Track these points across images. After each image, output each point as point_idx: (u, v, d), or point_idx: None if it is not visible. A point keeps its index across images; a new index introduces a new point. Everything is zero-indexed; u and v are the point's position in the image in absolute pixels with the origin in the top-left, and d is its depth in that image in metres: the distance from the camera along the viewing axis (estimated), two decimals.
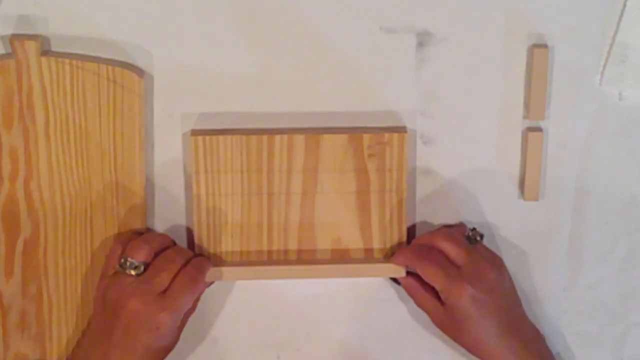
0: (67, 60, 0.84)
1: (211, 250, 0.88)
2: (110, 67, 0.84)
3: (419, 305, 0.89)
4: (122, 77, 0.84)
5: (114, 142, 0.86)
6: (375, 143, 0.87)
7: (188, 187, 0.89)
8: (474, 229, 0.88)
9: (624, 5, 0.87)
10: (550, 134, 0.89)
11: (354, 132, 0.87)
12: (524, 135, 0.89)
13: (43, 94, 0.84)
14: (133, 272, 0.83)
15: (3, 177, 0.85)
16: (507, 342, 0.85)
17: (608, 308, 0.93)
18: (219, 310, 0.91)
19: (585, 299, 0.93)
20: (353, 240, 0.89)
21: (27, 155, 0.85)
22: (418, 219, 0.91)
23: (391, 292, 0.92)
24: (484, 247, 0.89)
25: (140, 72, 0.85)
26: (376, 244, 0.89)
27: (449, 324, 0.87)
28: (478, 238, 0.88)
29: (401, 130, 0.88)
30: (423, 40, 0.87)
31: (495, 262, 0.88)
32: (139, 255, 0.83)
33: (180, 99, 0.87)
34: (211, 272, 0.88)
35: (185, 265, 0.85)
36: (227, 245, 0.89)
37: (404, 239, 0.89)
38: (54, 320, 0.88)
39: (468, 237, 0.88)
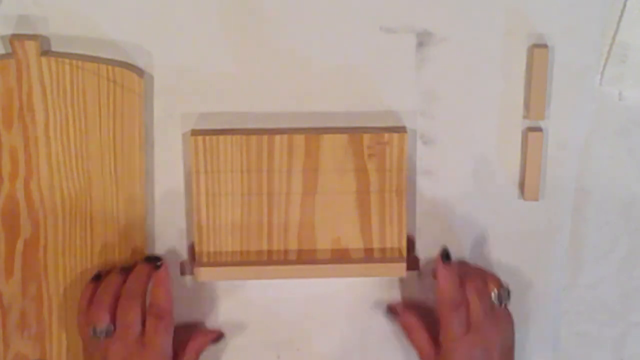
0: (67, 60, 0.84)
1: (211, 250, 0.88)
2: (110, 67, 0.84)
3: (414, 343, 0.89)
4: (122, 77, 0.84)
5: (114, 142, 0.86)
6: (375, 143, 0.87)
7: (188, 187, 0.89)
8: (505, 289, 0.87)
9: (624, 5, 0.87)
10: (550, 134, 0.89)
11: (354, 132, 0.87)
12: (524, 135, 0.89)
13: (43, 94, 0.84)
14: (105, 336, 0.83)
15: (3, 177, 0.85)
16: None
17: (608, 308, 0.93)
18: (219, 311, 0.91)
19: (585, 299, 0.93)
20: (353, 240, 0.89)
21: (27, 155, 0.85)
22: (418, 219, 0.91)
23: (391, 292, 0.92)
24: (505, 310, 0.88)
25: (140, 72, 0.85)
26: (376, 244, 0.89)
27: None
28: (504, 302, 0.87)
29: (401, 130, 0.88)
30: (423, 40, 0.87)
31: (505, 326, 0.87)
32: (102, 322, 0.83)
33: (180, 99, 0.87)
34: (211, 272, 0.88)
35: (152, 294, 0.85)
36: (227, 245, 0.89)
37: (404, 239, 0.89)
38: (54, 320, 0.89)
39: (497, 296, 0.87)
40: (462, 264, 0.90)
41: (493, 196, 0.90)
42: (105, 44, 0.85)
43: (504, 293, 0.87)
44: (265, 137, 0.87)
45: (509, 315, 0.88)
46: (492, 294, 0.86)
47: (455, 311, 0.85)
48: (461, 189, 0.90)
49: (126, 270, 0.87)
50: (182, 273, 0.90)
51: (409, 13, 0.86)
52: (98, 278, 0.86)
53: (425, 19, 0.86)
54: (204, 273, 0.88)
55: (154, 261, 0.87)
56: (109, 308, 0.84)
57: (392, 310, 0.91)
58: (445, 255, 0.87)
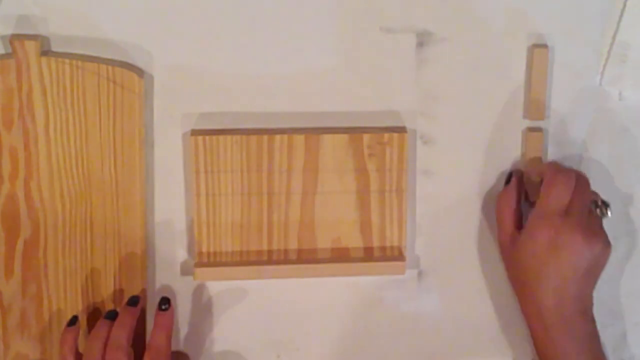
0: (67, 60, 0.84)
1: (211, 250, 0.88)
2: (110, 67, 0.84)
3: (499, 212, 0.87)
4: (122, 77, 0.84)
5: (114, 142, 0.86)
6: (375, 143, 0.87)
7: (188, 187, 0.89)
8: (604, 202, 0.86)
9: (624, 5, 0.87)
10: (550, 134, 0.89)
11: (354, 132, 0.87)
12: (524, 135, 0.89)
13: (43, 94, 0.84)
14: None
15: (3, 177, 0.85)
16: (559, 309, 0.82)
17: (608, 308, 0.93)
18: (219, 310, 0.91)
19: None
20: (353, 240, 0.89)
21: (27, 155, 0.85)
22: (418, 219, 0.91)
23: (391, 292, 0.92)
24: (595, 225, 0.85)
25: (140, 72, 0.86)
26: (376, 244, 0.89)
27: (511, 246, 0.85)
28: (605, 211, 0.85)
29: (401, 130, 0.88)
30: (423, 40, 0.87)
31: (595, 239, 0.83)
32: None
33: (180, 99, 0.87)
34: (211, 272, 0.88)
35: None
36: (227, 245, 0.89)
37: (404, 238, 0.89)
38: (54, 320, 0.88)
39: (598, 205, 0.85)
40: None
41: (493, 196, 0.90)
42: (105, 44, 0.85)
43: (605, 207, 0.85)
44: (265, 137, 0.87)
45: (607, 240, 0.84)
46: (595, 201, 0.85)
47: (559, 178, 0.82)
48: (461, 189, 0.90)
49: (110, 317, 0.86)
50: (182, 273, 0.90)
51: (409, 13, 0.86)
52: (74, 323, 0.86)
53: (425, 19, 0.86)
54: (204, 273, 0.88)
55: (135, 304, 0.87)
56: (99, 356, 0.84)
57: (509, 175, 0.89)
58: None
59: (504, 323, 0.93)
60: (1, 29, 0.84)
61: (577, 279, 0.83)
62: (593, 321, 0.85)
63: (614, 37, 0.87)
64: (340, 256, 0.89)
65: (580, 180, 0.84)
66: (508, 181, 0.88)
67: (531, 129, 0.89)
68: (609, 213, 0.86)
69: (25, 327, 0.88)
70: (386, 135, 0.87)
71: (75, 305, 0.88)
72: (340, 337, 0.93)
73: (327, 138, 0.87)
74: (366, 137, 0.87)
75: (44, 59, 0.83)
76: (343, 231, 0.89)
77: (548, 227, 0.82)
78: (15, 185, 0.86)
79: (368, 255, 0.89)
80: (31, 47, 0.83)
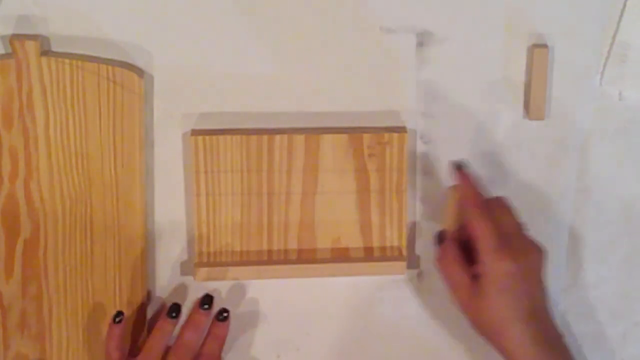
0: (67, 60, 0.84)
1: (211, 250, 0.88)
2: (110, 67, 0.84)
3: (447, 272, 0.85)
4: (122, 77, 0.84)
5: (114, 142, 0.86)
6: (375, 143, 0.87)
7: (188, 187, 0.89)
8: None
9: (624, 5, 0.87)
10: (550, 134, 0.89)
11: (354, 132, 0.87)
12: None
13: (43, 94, 0.84)
14: None
15: (3, 177, 0.85)
16: (530, 331, 0.81)
17: (608, 308, 0.93)
18: None
19: (585, 299, 0.93)
20: (353, 240, 0.89)
21: (27, 155, 0.85)
22: (418, 219, 0.91)
23: (391, 292, 0.92)
24: (531, 236, 0.85)
25: (140, 72, 0.86)
26: (376, 244, 0.89)
27: (474, 298, 0.83)
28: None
29: (401, 130, 0.88)
30: (423, 40, 0.87)
31: (542, 248, 0.84)
32: None
33: (180, 99, 0.87)
34: (211, 272, 0.88)
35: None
36: (227, 245, 0.89)
37: (404, 238, 0.89)
38: (54, 320, 0.88)
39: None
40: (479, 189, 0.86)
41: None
42: (105, 44, 0.85)
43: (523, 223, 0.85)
44: (265, 137, 0.87)
45: (540, 244, 0.84)
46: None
47: (486, 213, 0.82)
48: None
49: (174, 311, 0.87)
50: (183, 273, 0.90)
51: (409, 13, 0.86)
52: (120, 318, 0.86)
53: (425, 19, 0.86)
54: (204, 273, 0.88)
55: (208, 307, 0.87)
56: (158, 358, 0.85)
57: (439, 236, 0.88)
58: (458, 166, 0.85)
59: None
60: (1, 29, 0.84)
61: (542, 290, 0.84)
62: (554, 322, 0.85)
63: (614, 37, 0.87)
64: (340, 256, 0.89)
65: (499, 202, 0.85)
66: (439, 242, 0.87)
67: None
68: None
69: (25, 327, 0.88)
70: (386, 135, 0.87)
71: (75, 305, 0.88)
72: (340, 337, 0.93)
73: (327, 138, 0.87)
74: (366, 137, 0.87)
75: (44, 59, 0.83)
76: (343, 231, 0.89)
77: (503, 259, 0.81)
78: (15, 185, 0.86)
79: (368, 255, 0.89)
80: (31, 47, 0.83)
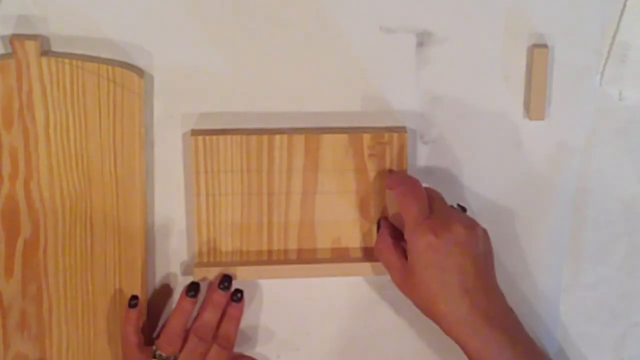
0: (67, 60, 0.84)
1: (211, 250, 0.88)
2: (110, 67, 0.84)
3: (382, 257, 0.86)
4: (122, 77, 0.84)
5: (114, 142, 0.86)
6: (375, 143, 0.87)
7: (188, 187, 0.89)
8: (459, 205, 0.87)
9: (624, 5, 0.87)
10: (550, 134, 0.89)
11: (354, 132, 0.87)
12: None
13: (43, 94, 0.84)
14: None
15: (3, 177, 0.85)
16: (465, 307, 0.81)
17: (608, 308, 0.93)
18: None
19: (585, 300, 0.93)
20: (353, 240, 0.89)
21: (27, 155, 0.85)
22: None
23: (391, 292, 0.92)
24: (465, 215, 0.85)
25: (140, 72, 0.85)
26: None
27: (406, 277, 0.83)
28: (463, 208, 0.86)
29: (401, 130, 0.88)
30: (423, 40, 0.87)
31: (472, 224, 0.83)
32: (170, 351, 0.86)
33: (180, 99, 0.87)
34: (211, 272, 0.88)
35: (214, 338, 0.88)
36: (227, 245, 0.89)
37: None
38: (54, 320, 0.88)
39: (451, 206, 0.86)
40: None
41: (494, 196, 0.90)
42: (105, 44, 0.85)
43: (460, 205, 0.86)
44: (265, 137, 0.87)
45: (475, 222, 0.84)
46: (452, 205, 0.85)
47: (411, 190, 0.82)
48: (461, 189, 0.90)
49: (193, 290, 0.87)
50: (183, 273, 0.90)
51: (409, 13, 0.86)
52: (135, 302, 0.87)
53: (425, 19, 0.86)
54: (204, 273, 0.88)
55: (227, 286, 0.87)
56: (180, 338, 0.86)
57: (377, 224, 0.88)
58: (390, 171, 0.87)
59: None
60: (1, 29, 0.84)
61: (479, 271, 0.82)
62: (506, 310, 0.84)
63: (614, 37, 0.87)
64: (340, 256, 0.89)
65: (432, 189, 0.85)
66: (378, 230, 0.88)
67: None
68: (466, 211, 0.86)
69: (25, 327, 0.88)
70: (386, 135, 0.87)
71: (75, 305, 0.88)
72: (340, 337, 0.93)
73: (327, 138, 0.87)
74: (366, 137, 0.87)
75: (44, 59, 0.83)
76: (343, 231, 0.89)
77: (425, 234, 0.81)
78: (15, 185, 0.86)
79: (368, 255, 0.89)
80: (31, 47, 0.83)
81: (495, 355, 0.81)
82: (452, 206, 0.86)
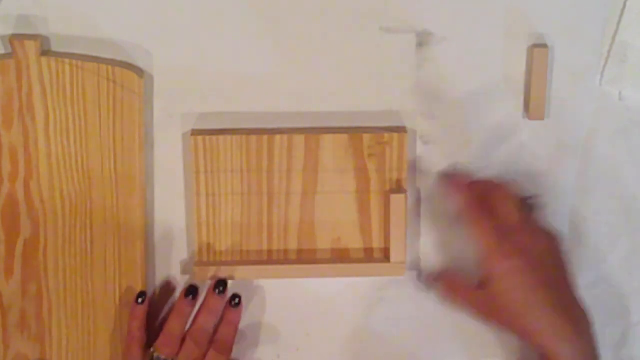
0: (67, 60, 0.84)
1: (211, 250, 0.88)
2: (110, 67, 0.84)
3: (458, 300, 0.85)
4: (122, 77, 0.84)
5: (114, 142, 0.86)
6: (375, 143, 0.87)
7: (188, 187, 0.89)
8: (530, 198, 0.85)
9: (624, 5, 0.87)
10: (550, 134, 0.89)
11: (354, 132, 0.87)
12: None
13: (43, 94, 0.84)
14: None
15: (3, 177, 0.85)
16: (551, 319, 0.80)
17: (608, 308, 0.93)
18: None
19: (585, 299, 0.93)
20: (353, 240, 0.89)
21: (27, 155, 0.85)
22: (418, 220, 0.91)
23: (391, 292, 0.92)
24: (535, 222, 0.84)
25: (140, 72, 0.86)
26: (376, 244, 0.89)
27: (486, 304, 0.82)
28: (535, 204, 0.84)
29: (401, 130, 0.88)
30: (423, 40, 0.87)
31: (543, 234, 0.83)
32: (168, 353, 0.85)
33: (180, 99, 0.87)
34: (211, 272, 0.88)
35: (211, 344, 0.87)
36: (227, 244, 0.89)
37: (404, 239, 0.89)
38: (54, 320, 0.89)
39: (527, 203, 0.84)
40: (475, 182, 0.86)
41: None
42: (105, 44, 0.85)
43: (530, 200, 0.84)
44: (265, 137, 0.87)
45: (550, 226, 0.83)
46: (523, 199, 0.84)
47: (481, 213, 0.81)
48: None
49: (192, 293, 0.87)
50: (182, 273, 0.90)
51: (409, 13, 0.86)
52: (143, 298, 0.87)
53: (425, 19, 0.86)
54: (204, 272, 0.88)
55: (222, 290, 0.87)
56: (179, 341, 0.86)
57: (429, 279, 0.89)
58: (449, 174, 0.85)
59: None
60: (1, 29, 0.84)
61: (565, 277, 0.82)
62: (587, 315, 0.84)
63: (614, 37, 0.87)
64: (340, 257, 0.89)
65: (497, 192, 0.84)
66: (435, 281, 0.89)
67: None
68: (539, 203, 0.85)
69: (25, 327, 0.88)
70: (386, 135, 0.87)
71: (75, 305, 0.88)
72: (340, 337, 0.93)
73: (327, 138, 0.87)
74: (366, 137, 0.87)
75: (44, 59, 0.83)
76: (343, 231, 0.89)
77: (500, 257, 0.81)
78: (15, 185, 0.86)
79: (368, 255, 0.89)
80: (31, 47, 0.83)
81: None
82: (521, 200, 0.83)
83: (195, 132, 0.87)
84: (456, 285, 0.86)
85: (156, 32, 0.85)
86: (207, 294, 0.88)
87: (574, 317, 0.82)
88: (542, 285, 0.81)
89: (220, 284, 0.87)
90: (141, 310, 0.87)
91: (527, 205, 0.86)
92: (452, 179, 0.87)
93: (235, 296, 0.88)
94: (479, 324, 0.92)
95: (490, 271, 0.82)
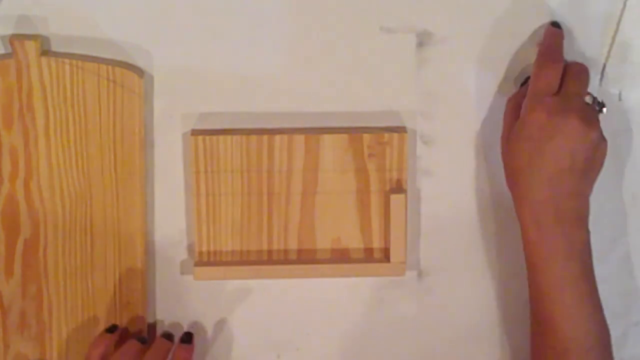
0: (67, 60, 0.84)
1: (211, 250, 0.88)
2: (110, 67, 0.84)
3: (506, 109, 0.85)
4: (122, 77, 0.84)
5: (114, 142, 0.86)
6: (375, 143, 0.87)
7: (188, 187, 0.89)
8: (597, 100, 0.83)
9: (624, 5, 0.87)
10: None
11: (354, 132, 0.87)
12: None
13: (43, 94, 0.84)
14: None
15: (3, 177, 0.85)
16: (543, 194, 0.78)
17: (608, 308, 0.93)
18: (219, 310, 0.91)
19: None
20: (353, 240, 0.89)
21: (27, 155, 0.85)
22: (418, 220, 0.91)
23: (391, 292, 0.92)
24: (593, 114, 0.81)
25: (140, 72, 0.86)
26: (376, 244, 0.89)
27: (507, 140, 0.82)
28: (600, 107, 0.83)
29: (401, 130, 0.88)
30: (423, 40, 0.87)
31: (591, 125, 0.79)
32: None
33: (180, 99, 0.87)
34: (211, 272, 0.88)
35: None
36: (227, 244, 0.89)
37: (404, 239, 0.89)
38: (54, 320, 0.89)
39: (593, 98, 0.82)
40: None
41: (493, 195, 0.90)
42: (105, 44, 0.85)
43: (600, 104, 0.83)
44: (265, 137, 0.87)
45: (602, 133, 0.81)
46: (591, 94, 0.82)
47: (550, 65, 0.80)
48: (461, 189, 0.90)
49: (142, 339, 0.87)
50: (182, 273, 0.90)
51: (409, 13, 0.86)
52: (113, 330, 0.87)
53: (425, 19, 0.86)
54: (204, 272, 0.88)
55: (172, 338, 0.88)
56: None
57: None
58: (553, 23, 0.84)
59: (503, 323, 0.93)
60: (1, 29, 0.84)
61: (574, 170, 0.79)
62: (588, 232, 0.82)
63: (614, 37, 0.87)
64: (340, 256, 0.89)
65: (576, 67, 0.83)
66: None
67: None
68: (604, 110, 0.83)
69: (25, 327, 0.88)
70: (386, 135, 0.87)
71: (75, 305, 0.88)
72: (340, 337, 0.93)
73: (327, 138, 0.87)
74: (366, 137, 0.87)
75: (44, 59, 0.83)
76: (343, 231, 0.89)
77: (539, 109, 0.79)
78: (15, 185, 0.86)
79: (368, 255, 0.89)
80: (31, 47, 0.83)
81: (555, 256, 0.78)
82: (590, 95, 0.82)
83: (195, 132, 0.87)
84: (519, 99, 0.83)
85: (156, 32, 0.85)
86: (157, 339, 0.88)
87: (565, 208, 0.80)
88: (554, 156, 0.78)
89: (166, 336, 0.88)
90: (107, 340, 0.86)
91: (596, 101, 0.83)
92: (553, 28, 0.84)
93: (186, 333, 0.89)
94: (479, 324, 0.92)
95: (523, 114, 0.81)
